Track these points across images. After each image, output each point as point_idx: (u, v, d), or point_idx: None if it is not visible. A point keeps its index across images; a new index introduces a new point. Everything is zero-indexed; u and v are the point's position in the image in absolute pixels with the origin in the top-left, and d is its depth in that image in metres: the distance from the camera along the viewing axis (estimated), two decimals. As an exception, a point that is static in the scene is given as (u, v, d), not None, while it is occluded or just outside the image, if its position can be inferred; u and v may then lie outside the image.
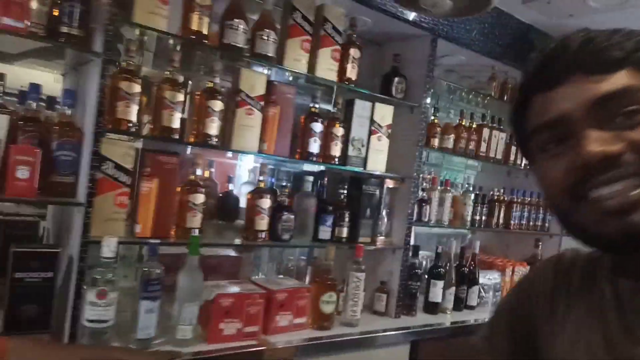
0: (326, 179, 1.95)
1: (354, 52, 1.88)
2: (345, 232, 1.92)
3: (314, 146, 1.81)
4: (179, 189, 1.52)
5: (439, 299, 2.21)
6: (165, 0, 1.41)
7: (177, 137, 1.48)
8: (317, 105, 1.83)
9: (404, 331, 1.93)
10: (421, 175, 2.13)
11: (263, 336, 1.58)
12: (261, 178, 1.70)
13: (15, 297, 1.22)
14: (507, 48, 2.33)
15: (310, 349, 1.65)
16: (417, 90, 2.07)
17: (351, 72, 1.88)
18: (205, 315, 1.48)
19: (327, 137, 1.85)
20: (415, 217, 2.12)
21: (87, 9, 1.30)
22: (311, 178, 1.84)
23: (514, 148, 2.56)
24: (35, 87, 1.30)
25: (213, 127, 1.55)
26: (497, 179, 2.84)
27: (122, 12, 1.34)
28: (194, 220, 1.52)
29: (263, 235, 1.69)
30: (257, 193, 1.69)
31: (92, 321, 1.27)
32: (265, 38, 1.63)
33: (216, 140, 1.56)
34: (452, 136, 2.29)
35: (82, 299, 1.28)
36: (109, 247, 1.29)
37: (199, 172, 1.59)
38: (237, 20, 1.56)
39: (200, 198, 1.53)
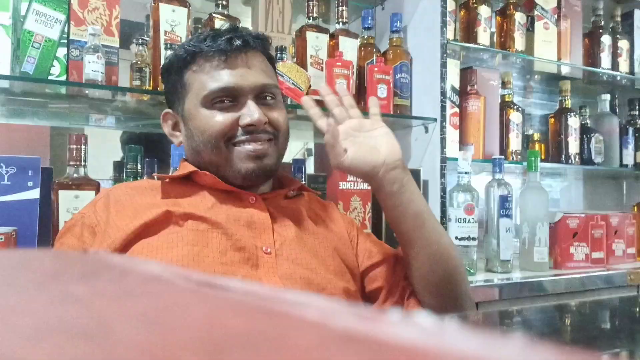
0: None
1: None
2: (646, 156, 1.70)
3: (606, 61, 1.63)
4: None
5: None
6: None
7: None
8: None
9: None
10: None
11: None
12: (564, 97, 1.55)
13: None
14: None
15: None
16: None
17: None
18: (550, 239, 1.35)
19: (614, 53, 1.66)
20: None
21: None
22: (608, 96, 1.65)
23: None
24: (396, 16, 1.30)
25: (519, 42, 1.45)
26: None
27: None
28: (516, 142, 1.42)
29: (575, 158, 1.53)
30: (561, 113, 1.55)
31: (460, 239, 1.20)
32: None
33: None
34: None
35: (446, 217, 1.22)
36: (466, 160, 1.22)
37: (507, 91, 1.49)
38: None
39: (519, 117, 1.43)
